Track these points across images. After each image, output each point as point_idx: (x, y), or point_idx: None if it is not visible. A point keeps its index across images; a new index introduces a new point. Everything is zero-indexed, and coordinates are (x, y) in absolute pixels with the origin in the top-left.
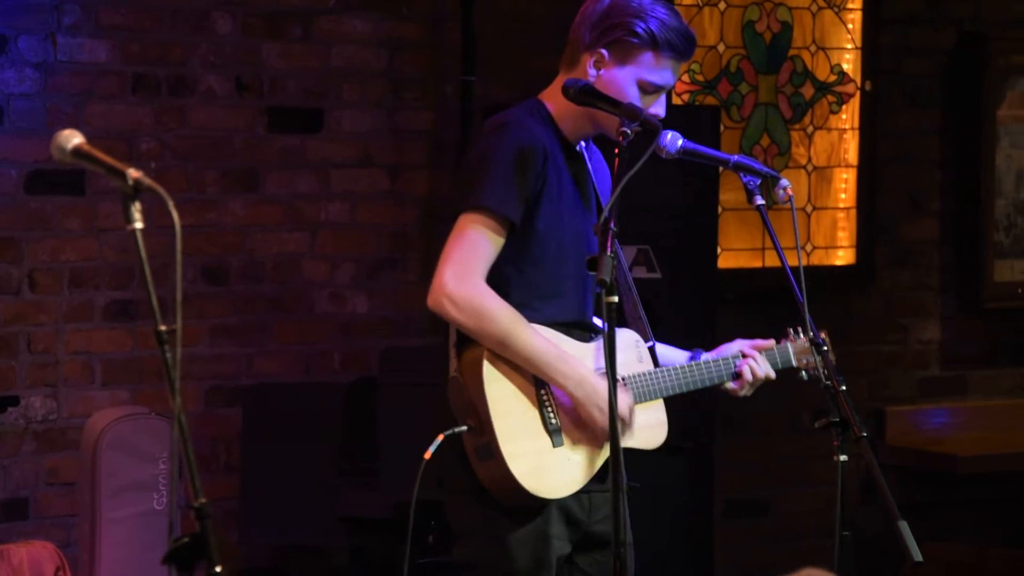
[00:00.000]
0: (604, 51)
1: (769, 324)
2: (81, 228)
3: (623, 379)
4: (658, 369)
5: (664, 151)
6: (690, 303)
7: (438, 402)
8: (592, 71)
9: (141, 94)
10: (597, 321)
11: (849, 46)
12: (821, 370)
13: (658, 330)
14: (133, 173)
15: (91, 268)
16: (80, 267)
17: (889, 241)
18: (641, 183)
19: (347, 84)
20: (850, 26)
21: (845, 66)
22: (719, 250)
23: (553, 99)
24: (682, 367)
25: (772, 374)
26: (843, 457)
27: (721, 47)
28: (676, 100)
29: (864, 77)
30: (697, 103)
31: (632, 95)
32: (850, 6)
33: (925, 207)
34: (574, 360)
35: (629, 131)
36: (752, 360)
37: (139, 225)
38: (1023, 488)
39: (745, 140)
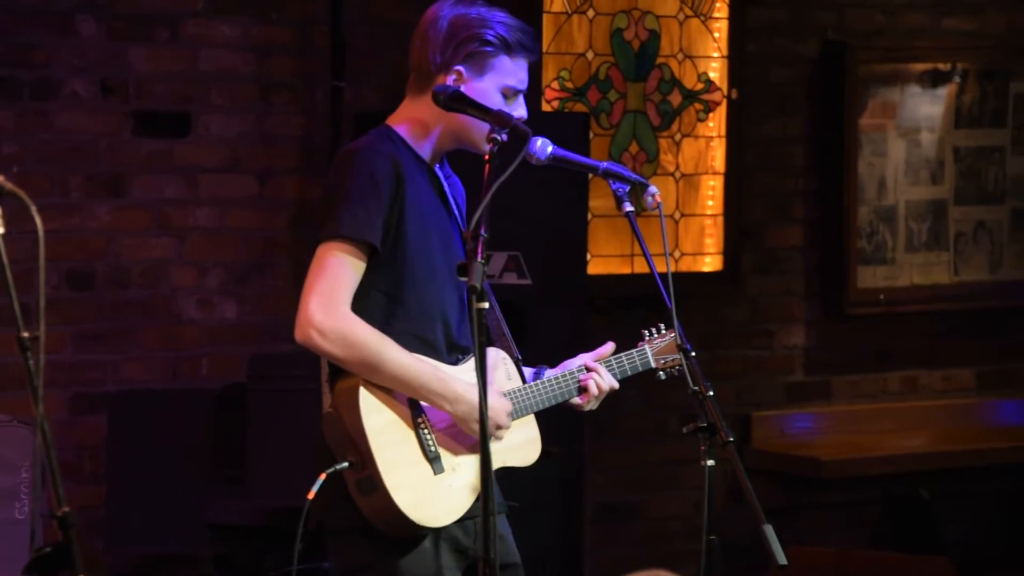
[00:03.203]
0: (461, 67)
1: (639, 329)
2: None
3: (503, 394)
4: (525, 386)
5: (534, 158)
6: (560, 309)
7: (307, 408)
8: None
9: (3, 98)
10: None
11: (715, 55)
12: (687, 374)
13: (529, 337)
14: None
15: None
16: None
17: (755, 248)
18: (511, 190)
19: (215, 88)
20: (716, 35)
21: (712, 74)
22: (589, 256)
23: (405, 123)
24: (534, 384)
25: (616, 385)
26: (710, 462)
27: (590, 55)
28: (545, 107)
29: (730, 85)
30: (567, 110)
31: (497, 103)
32: (716, 15)
33: (790, 214)
34: (449, 378)
35: (500, 138)
36: (596, 374)
37: (0, 230)
38: (885, 491)
39: (614, 147)
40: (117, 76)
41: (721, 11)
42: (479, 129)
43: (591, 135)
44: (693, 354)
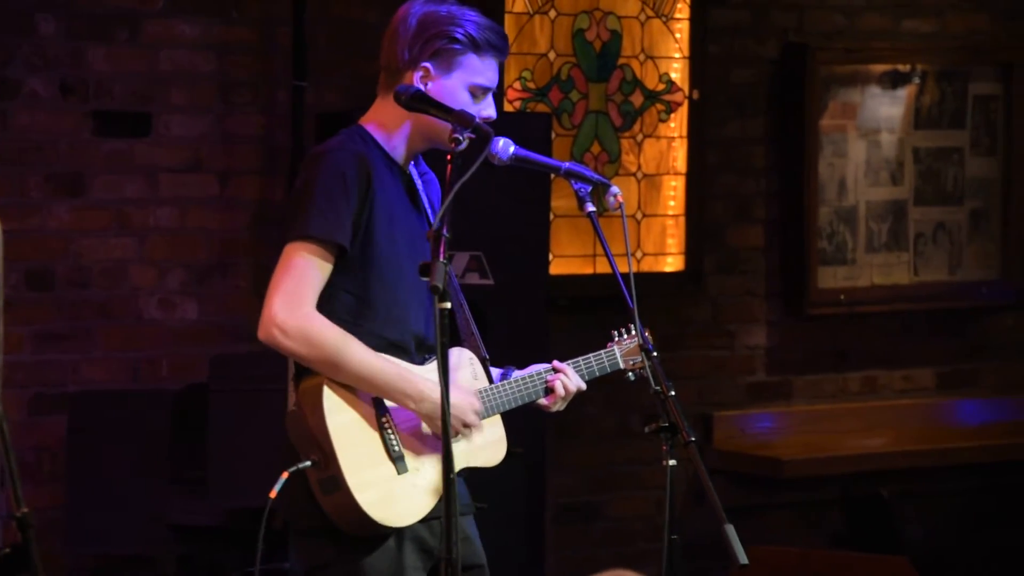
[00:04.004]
0: (428, 64)
1: (601, 330)
2: None
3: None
4: (492, 386)
5: (496, 158)
6: (522, 309)
7: (269, 409)
8: (420, 87)
9: None
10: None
11: (677, 55)
12: (650, 374)
13: (491, 337)
14: None
15: None
16: None
17: (717, 248)
18: (473, 190)
19: (176, 88)
20: (678, 36)
21: (673, 75)
22: (551, 256)
23: (376, 122)
24: (501, 384)
25: (583, 386)
26: (672, 462)
27: (552, 55)
28: (508, 107)
29: (692, 86)
30: (529, 110)
31: (464, 101)
32: (677, 16)
33: (751, 214)
34: (414, 376)
35: (462, 138)
36: (563, 375)
37: None
38: (845, 491)
39: (576, 147)
40: (76, 75)
41: (682, 12)
42: (444, 129)
43: (553, 135)
44: (655, 354)
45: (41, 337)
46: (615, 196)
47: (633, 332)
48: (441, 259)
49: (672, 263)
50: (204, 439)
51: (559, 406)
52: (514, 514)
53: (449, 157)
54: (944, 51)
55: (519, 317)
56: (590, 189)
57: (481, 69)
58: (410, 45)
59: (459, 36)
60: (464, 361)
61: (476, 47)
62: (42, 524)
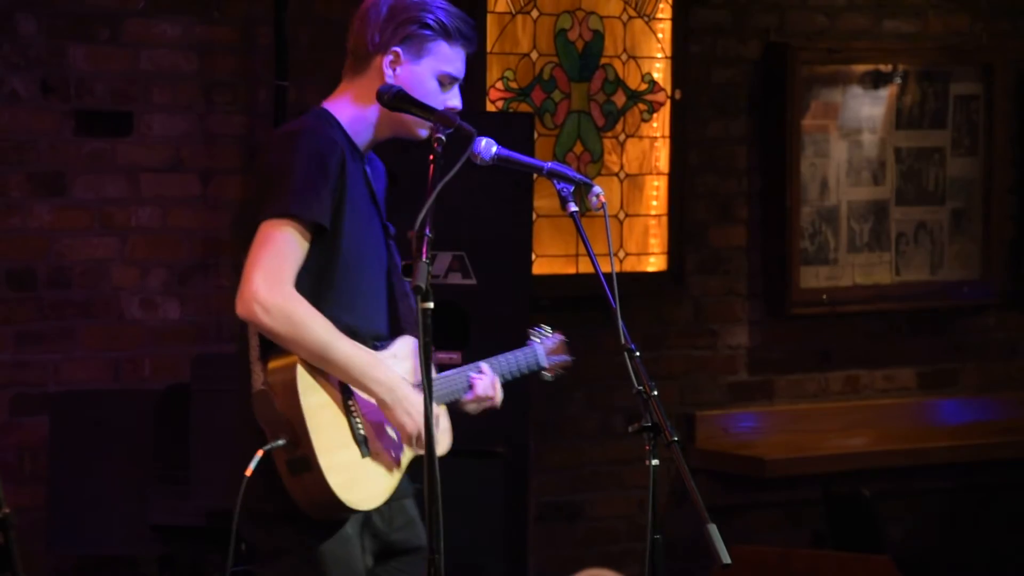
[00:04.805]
0: (399, 48)
1: (583, 330)
2: None
3: (413, 386)
4: (439, 375)
5: (479, 158)
6: (505, 309)
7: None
8: (389, 71)
9: None
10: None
11: (659, 55)
12: (632, 374)
13: (473, 336)
14: None
15: None
16: None
17: (699, 248)
18: (456, 190)
19: (157, 87)
20: (660, 35)
21: (655, 75)
22: (533, 256)
23: (342, 108)
24: (439, 377)
25: (495, 398)
26: (654, 461)
27: (534, 55)
28: (490, 107)
29: (674, 86)
30: (511, 110)
31: (432, 89)
32: (660, 16)
33: (733, 214)
34: (385, 366)
35: (444, 137)
36: (484, 377)
37: None
38: (827, 490)
39: (559, 147)
40: (58, 75)
41: (664, 12)
42: (415, 122)
43: (535, 135)
44: (638, 354)
45: (22, 337)
46: (598, 196)
47: (552, 333)
48: (424, 259)
49: (654, 263)
50: (186, 439)
51: (474, 407)
52: (496, 514)
53: (431, 157)
54: (925, 51)
55: (502, 317)
56: (573, 189)
57: (451, 57)
58: (381, 29)
59: (431, 22)
60: (414, 350)
61: (447, 34)
62: (23, 524)
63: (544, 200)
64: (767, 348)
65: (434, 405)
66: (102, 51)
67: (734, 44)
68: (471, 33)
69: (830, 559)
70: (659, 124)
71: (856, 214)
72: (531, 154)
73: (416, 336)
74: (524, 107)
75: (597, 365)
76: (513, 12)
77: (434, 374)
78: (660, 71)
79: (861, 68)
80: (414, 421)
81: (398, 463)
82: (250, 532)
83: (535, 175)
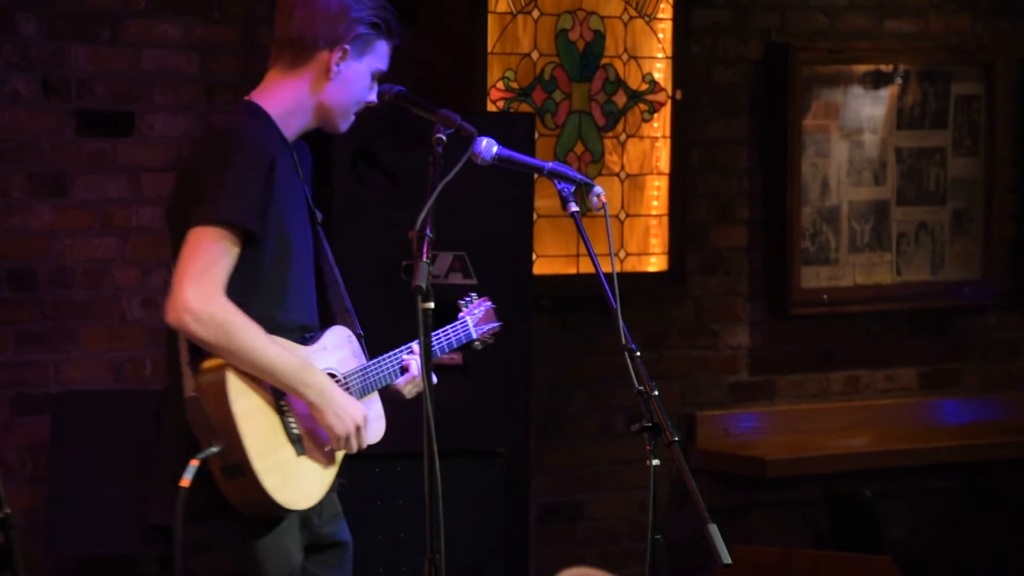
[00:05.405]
0: (348, 47)
1: (584, 330)
2: None
3: (343, 378)
4: (370, 362)
5: (479, 158)
6: (505, 309)
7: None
8: (335, 68)
9: None
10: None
11: (660, 55)
12: (633, 374)
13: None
14: None
15: None
16: None
17: (700, 248)
18: (457, 190)
19: (158, 87)
20: (660, 35)
21: (656, 75)
22: (534, 256)
23: (269, 100)
24: (371, 364)
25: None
26: (655, 461)
27: (535, 55)
28: (491, 107)
29: (675, 86)
30: (512, 110)
31: (367, 86)
32: (660, 16)
33: (734, 215)
34: (314, 369)
35: (444, 138)
36: (416, 356)
37: None
38: (828, 490)
39: (559, 147)
40: (59, 75)
41: (665, 12)
42: (344, 110)
43: (536, 135)
44: (638, 354)
45: (23, 337)
46: (598, 196)
47: (477, 299)
48: (424, 259)
49: (655, 263)
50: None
51: (410, 389)
52: (497, 514)
53: (432, 157)
54: (926, 51)
55: (502, 317)
56: (573, 189)
57: (385, 56)
58: (332, 24)
59: (378, 21)
60: (344, 340)
61: (389, 33)
62: (24, 524)
63: (545, 200)
64: (768, 348)
65: (370, 393)
66: (103, 51)
67: (735, 44)
68: (401, 29)
69: (831, 559)
70: (660, 124)
71: (857, 214)
72: (532, 154)
73: (346, 324)
74: (525, 107)
75: (598, 365)
76: (514, 12)
77: (362, 361)
78: (661, 71)
79: (862, 68)
80: (343, 424)
81: (333, 459)
82: (184, 524)
83: (536, 175)
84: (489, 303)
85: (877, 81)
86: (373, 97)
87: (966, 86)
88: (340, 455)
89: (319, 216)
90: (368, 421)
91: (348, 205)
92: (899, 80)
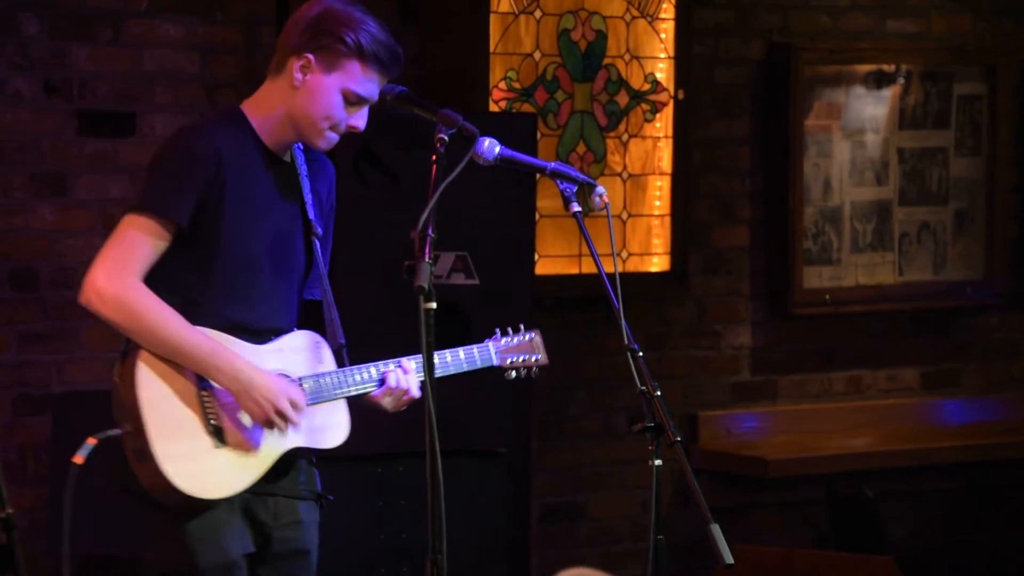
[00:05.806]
0: (311, 56)
1: (586, 330)
2: None
3: (299, 379)
4: (336, 371)
5: (482, 158)
6: (508, 309)
7: None
8: (299, 75)
9: None
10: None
11: (662, 55)
12: (636, 374)
13: (476, 337)
14: None
15: None
16: None
17: (702, 248)
18: (459, 190)
19: (160, 88)
20: (663, 36)
21: (659, 75)
22: (536, 256)
23: (257, 108)
24: (339, 372)
25: (414, 391)
26: (658, 461)
27: (537, 55)
28: (493, 107)
29: (677, 86)
30: (514, 110)
31: (335, 102)
32: (663, 16)
33: (737, 215)
34: (229, 354)
35: (446, 138)
36: (399, 370)
37: None
38: (830, 490)
39: (562, 147)
40: (60, 75)
41: (668, 12)
42: (310, 123)
43: (539, 135)
44: (640, 354)
45: (25, 337)
46: (601, 196)
47: (523, 333)
48: (426, 259)
49: (657, 263)
50: None
51: (389, 403)
52: (498, 515)
53: (434, 157)
54: (929, 51)
55: (505, 317)
56: (576, 189)
57: (360, 78)
58: (303, 32)
59: (348, 40)
60: (308, 344)
61: (362, 55)
62: (26, 525)
63: (547, 200)
64: (770, 348)
65: (326, 399)
66: (105, 52)
67: (737, 44)
68: (389, 61)
69: (832, 559)
70: (662, 124)
71: (859, 214)
72: (534, 154)
73: (328, 332)
74: (527, 107)
75: (600, 365)
76: (516, 12)
77: (331, 367)
78: (663, 71)
79: (864, 68)
80: (262, 408)
81: (269, 454)
82: (141, 516)
83: (538, 175)
84: (532, 334)
85: (879, 81)
86: (356, 122)
87: (968, 86)
88: (278, 449)
89: (318, 230)
90: (322, 426)
91: (349, 205)
92: (901, 80)
